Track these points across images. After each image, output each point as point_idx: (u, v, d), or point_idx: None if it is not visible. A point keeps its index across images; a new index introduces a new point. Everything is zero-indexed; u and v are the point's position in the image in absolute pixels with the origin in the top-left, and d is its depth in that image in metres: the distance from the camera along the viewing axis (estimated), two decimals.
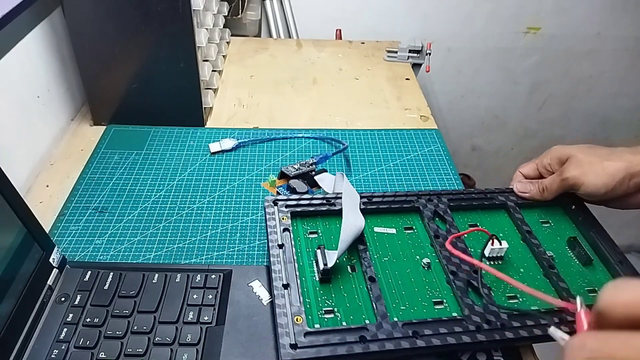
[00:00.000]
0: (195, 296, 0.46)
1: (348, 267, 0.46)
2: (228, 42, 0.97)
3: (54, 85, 0.71)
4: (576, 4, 1.15)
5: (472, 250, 0.49)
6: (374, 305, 0.42)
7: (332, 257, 0.44)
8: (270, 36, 1.10)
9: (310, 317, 0.42)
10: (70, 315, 0.44)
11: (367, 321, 0.41)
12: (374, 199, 0.52)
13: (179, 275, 0.48)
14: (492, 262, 0.48)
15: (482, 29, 1.18)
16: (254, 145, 0.72)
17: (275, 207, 0.51)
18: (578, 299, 0.32)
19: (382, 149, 0.72)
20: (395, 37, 1.05)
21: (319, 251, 0.45)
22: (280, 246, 0.46)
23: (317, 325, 0.41)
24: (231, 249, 0.55)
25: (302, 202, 0.52)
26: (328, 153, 0.67)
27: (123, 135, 0.72)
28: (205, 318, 0.44)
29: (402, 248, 0.49)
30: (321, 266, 0.44)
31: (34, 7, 0.64)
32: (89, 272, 0.47)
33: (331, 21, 1.11)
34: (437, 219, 0.51)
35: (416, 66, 0.96)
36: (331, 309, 0.43)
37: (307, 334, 0.39)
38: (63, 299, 0.45)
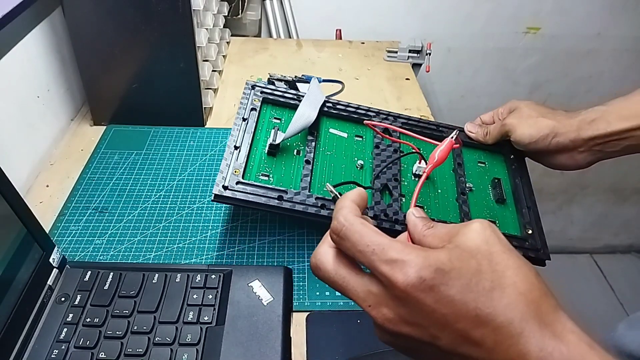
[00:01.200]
0: (195, 296, 0.46)
1: (295, 150, 0.55)
2: (228, 42, 0.97)
3: (54, 85, 0.71)
4: (576, 4, 1.15)
5: (404, 166, 0.56)
6: (302, 179, 0.52)
7: (280, 137, 0.54)
8: (270, 36, 1.10)
9: (248, 174, 0.51)
10: (70, 315, 0.44)
11: (290, 188, 0.50)
12: (338, 106, 0.60)
13: (179, 275, 0.48)
14: (416, 179, 0.56)
15: (482, 29, 1.18)
16: None
17: (252, 91, 0.59)
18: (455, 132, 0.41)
19: None
20: (395, 37, 1.05)
21: (273, 130, 0.55)
22: (244, 119, 0.56)
23: (250, 181, 0.50)
24: (231, 249, 0.55)
25: (275, 92, 0.60)
26: (319, 78, 0.72)
27: (123, 135, 0.72)
28: (205, 318, 0.44)
29: (346, 149, 0.58)
30: (270, 141, 0.54)
31: (34, 7, 0.64)
32: (89, 272, 0.47)
33: (331, 21, 1.11)
34: (385, 137, 0.58)
35: (416, 66, 0.96)
36: (267, 174, 0.52)
37: (238, 182, 0.49)
38: (63, 299, 0.45)
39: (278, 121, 0.58)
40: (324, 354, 0.45)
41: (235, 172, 0.50)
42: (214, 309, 0.45)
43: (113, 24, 0.64)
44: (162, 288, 0.46)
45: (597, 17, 1.17)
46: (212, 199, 0.49)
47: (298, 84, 0.67)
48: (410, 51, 0.95)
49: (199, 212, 0.60)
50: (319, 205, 0.49)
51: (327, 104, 0.59)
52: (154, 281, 0.47)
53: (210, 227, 0.58)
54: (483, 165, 0.60)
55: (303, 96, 0.59)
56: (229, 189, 0.49)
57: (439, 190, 0.56)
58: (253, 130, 0.55)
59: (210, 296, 0.46)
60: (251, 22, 1.05)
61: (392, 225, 0.50)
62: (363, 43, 1.02)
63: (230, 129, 0.75)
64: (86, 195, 0.61)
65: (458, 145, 0.40)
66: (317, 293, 0.51)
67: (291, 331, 0.46)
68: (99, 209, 0.60)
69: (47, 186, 0.64)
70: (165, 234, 0.57)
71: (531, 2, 1.14)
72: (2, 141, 0.60)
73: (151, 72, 0.69)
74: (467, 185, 0.56)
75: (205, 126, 0.75)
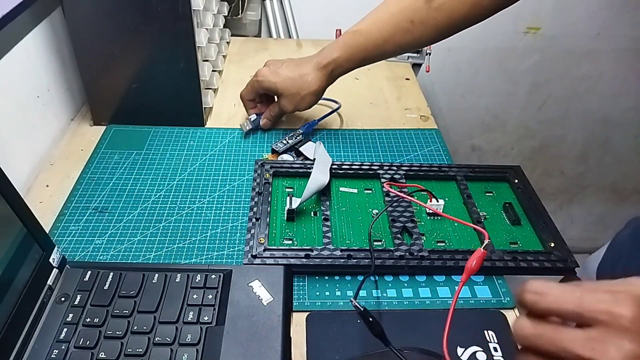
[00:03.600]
0: (195, 296, 0.46)
1: (311, 212, 0.59)
2: (228, 42, 0.97)
3: (54, 85, 0.71)
4: (576, 4, 1.15)
5: (416, 209, 0.59)
6: (324, 236, 0.54)
7: (296, 202, 0.57)
8: (270, 36, 1.10)
9: (272, 241, 0.55)
10: (70, 315, 0.44)
11: (315, 245, 0.53)
12: (343, 166, 0.64)
13: (179, 275, 0.48)
14: (430, 217, 0.59)
15: (482, 29, 1.17)
16: (254, 145, 0.72)
17: (262, 168, 0.63)
18: (486, 241, 0.41)
19: (382, 149, 0.72)
20: None
21: (287, 198, 0.58)
22: (259, 193, 0.59)
23: (275, 246, 0.54)
24: (231, 249, 0.55)
25: (284, 165, 0.64)
26: (315, 120, 0.74)
27: (123, 135, 0.72)
28: (205, 318, 0.44)
29: (359, 203, 0.61)
30: (287, 207, 0.57)
31: (34, 7, 0.64)
32: (89, 272, 0.47)
33: (331, 21, 1.11)
34: (392, 184, 0.61)
35: (416, 66, 0.96)
36: (290, 238, 0.56)
37: (265, 249, 0.52)
38: (63, 299, 0.45)
39: (291, 189, 0.62)
40: (324, 354, 0.45)
41: (260, 240, 0.53)
42: (214, 309, 0.45)
43: (113, 24, 0.64)
44: (162, 288, 0.46)
45: (597, 17, 1.17)
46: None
47: (301, 147, 0.69)
48: None
49: (199, 212, 0.60)
50: (345, 256, 0.52)
51: (333, 167, 0.63)
52: (154, 281, 0.47)
53: (210, 227, 0.58)
54: (491, 194, 0.63)
55: (310, 163, 0.63)
56: (258, 257, 0.52)
57: (455, 224, 0.58)
58: (269, 201, 0.59)
59: (210, 296, 0.46)
60: (251, 22, 1.06)
61: (420, 262, 0.52)
62: None
63: (230, 129, 0.76)
64: (86, 195, 0.61)
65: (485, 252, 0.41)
66: (317, 293, 0.51)
67: (291, 331, 0.46)
68: (99, 209, 0.60)
69: (47, 186, 0.64)
70: (165, 234, 0.57)
71: (531, 2, 1.14)
72: (2, 141, 0.60)
73: (151, 72, 0.69)
74: (480, 214, 0.59)
75: (205, 126, 0.75)
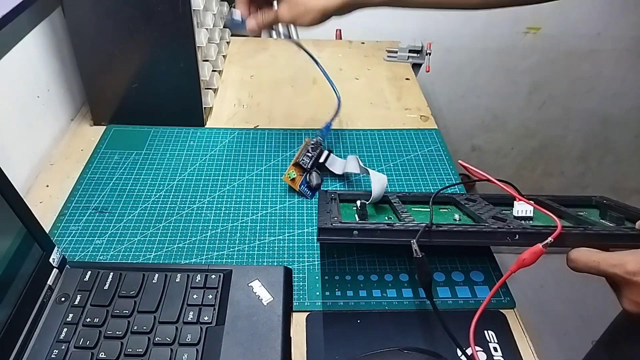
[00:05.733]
0: (195, 296, 0.46)
1: (385, 217, 0.55)
2: (228, 42, 0.97)
3: (54, 85, 0.71)
4: (576, 4, 1.15)
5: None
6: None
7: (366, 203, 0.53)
8: (270, 36, 1.10)
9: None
10: (70, 315, 0.44)
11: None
12: (406, 196, 0.59)
13: (179, 275, 0.48)
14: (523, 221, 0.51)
15: (482, 29, 1.18)
16: (254, 145, 0.72)
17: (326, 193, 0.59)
18: (549, 239, 0.42)
19: (382, 149, 0.72)
20: (395, 37, 1.05)
21: (358, 202, 0.52)
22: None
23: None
24: (231, 249, 0.55)
25: (345, 192, 0.60)
26: (328, 124, 0.68)
27: (123, 135, 0.72)
28: (205, 318, 0.44)
29: (435, 211, 0.56)
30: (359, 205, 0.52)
31: (34, 7, 0.64)
32: (89, 272, 0.47)
33: (331, 21, 1.11)
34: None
35: (416, 66, 0.96)
36: None
37: (340, 222, 0.48)
38: (63, 299, 0.45)
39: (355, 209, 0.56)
40: (324, 354, 0.45)
41: (335, 218, 0.49)
42: (214, 309, 0.45)
43: (113, 24, 0.64)
44: (162, 288, 0.46)
45: (597, 17, 1.17)
46: (318, 237, 0.47)
47: (327, 162, 0.65)
48: (410, 51, 0.95)
49: (199, 212, 0.60)
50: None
51: (393, 198, 0.57)
52: (154, 281, 0.47)
53: (210, 227, 0.58)
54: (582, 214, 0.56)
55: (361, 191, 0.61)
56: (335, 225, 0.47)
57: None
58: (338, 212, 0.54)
59: (210, 296, 0.46)
60: None
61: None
62: (363, 43, 1.02)
63: (230, 129, 0.75)
64: (86, 195, 0.61)
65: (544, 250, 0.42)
66: (317, 293, 0.51)
67: (291, 331, 0.46)
68: (99, 209, 0.60)
69: (47, 186, 0.64)
70: (165, 234, 0.57)
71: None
72: (2, 141, 0.60)
73: (151, 72, 0.69)
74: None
75: (205, 126, 0.75)
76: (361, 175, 0.66)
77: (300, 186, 0.62)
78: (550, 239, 0.42)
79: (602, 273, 0.43)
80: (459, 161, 0.58)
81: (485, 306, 0.41)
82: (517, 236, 0.45)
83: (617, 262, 0.41)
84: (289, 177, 0.62)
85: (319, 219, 0.50)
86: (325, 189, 0.63)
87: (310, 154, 0.63)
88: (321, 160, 0.64)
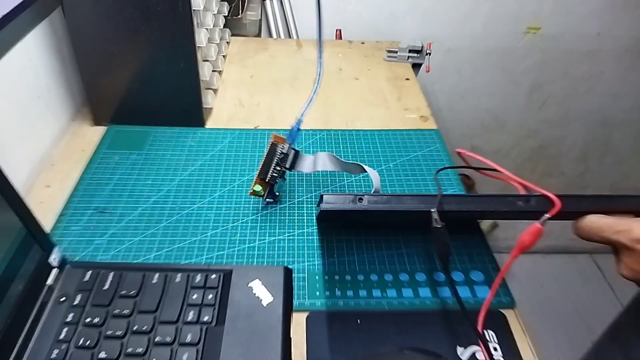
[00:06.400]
0: (195, 296, 0.46)
1: None
2: (228, 42, 0.97)
3: (54, 85, 0.71)
4: (576, 4, 1.15)
5: None
6: None
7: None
8: (270, 36, 1.10)
9: None
10: (70, 315, 0.44)
11: None
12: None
13: (179, 275, 0.48)
14: None
15: (482, 29, 1.18)
16: (254, 145, 0.72)
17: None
18: (546, 216, 0.41)
19: (382, 149, 0.72)
20: (395, 37, 1.05)
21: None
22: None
23: None
24: (231, 249, 0.55)
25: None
26: (297, 124, 0.58)
27: (123, 136, 0.72)
28: (205, 318, 0.44)
29: None
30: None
31: (34, 7, 0.64)
32: (89, 272, 0.47)
33: (331, 21, 1.11)
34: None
35: (416, 66, 0.96)
36: None
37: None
38: (63, 299, 0.45)
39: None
40: (324, 354, 0.45)
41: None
42: (214, 309, 0.45)
43: (113, 24, 0.64)
44: (162, 288, 0.46)
45: (597, 17, 1.17)
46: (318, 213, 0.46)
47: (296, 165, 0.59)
48: (410, 51, 0.95)
49: (199, 212, 0.60)
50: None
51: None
52: (154, 281, 0.47)
53: (210, 227, 0.58)
54: None
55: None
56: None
57: None
58: None
59: (210, 296, 0.46)
60: (251, 22, 1.06)
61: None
62: (363, 43, 1.02)
63: (230, 129, 0.75)
64: (87, 195, 0.61)
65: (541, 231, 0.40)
66: (317, 293, 0.51)
67: (291, 331, 0.46)
68: (99, 209, 0.60)
69: (48, 186, 0.64)
70: (165, 234, 0.57)
71: (531, 2, 1.14)
72: (2, 141, 0.60)
73: (151, 72, 0.69)
74: None
75: (205, 126, 0.75)
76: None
77: (267, 198, 0.60)
78: (547, 215, 0.40)
79: (605, 240, 0.41)
80: (457, 149, 0.56)
81: (490, 301, 0.41)
82: (531, 200, 0.43)
83: (623, 228, 0.40)
84: (255, 190, 0.58)
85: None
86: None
87: (279, 168, 0.58)
88: (287, 165, 0.58)
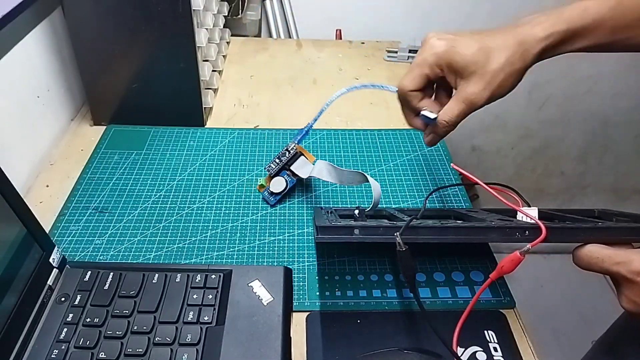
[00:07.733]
0: (195, 296, 0.46)
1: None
2: (228, 42, 0.97)
3: (54, 85, 0.71)
4: None
5: None
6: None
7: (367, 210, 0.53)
8: (270, 36, 1.10)
9: None
10: (70, 315, 0.44)
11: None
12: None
13: (179, 275, 0.48)
14: None
15: (482, 29, 1.18)
16: (254, 145, 0.72)
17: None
18: (528, 246, 0.40)
19: (382, 149, 0.72)
20: (395, 37, 1.05)
21: (356, 210, 0.53)
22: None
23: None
24: (231, 249, 0.55)
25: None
26: (308, 126, 0.61)
27: (123, 135, 0.72)
28: (205, 318, 0.44)
29: None
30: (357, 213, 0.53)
31: (34, 7, 0.64)
32: (89, 272, 0.47)
33: (331, 21, 1.11)
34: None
35: None
36: None
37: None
38: (63, 299, 0.45)
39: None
40: (324, 354, 0.45)
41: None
42: (214, 309, 0.45)
43: (113, 24, 0.64)
44: (162, 288, 0.46)
45: None
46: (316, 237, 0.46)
47: (292, 166, 0.61)
48: (410, 51, 0.95)
49: (199, 212, 0.60)
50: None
51: (391, 210, 0.57)
52: (154, 281, 0.47)
53: (210, 227, 0.58)
54: None
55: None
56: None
57: None
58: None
59: (210, 296, 0.46)
60: (251, 22, 1.06)
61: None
62: (363, 43, 1.02)
63: (230, 129, 0.75)
64: (86, 195, 0.61)
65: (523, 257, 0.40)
66: (317, 293, 0.51)
67: (291, 331, 0.46)
68: (99, 209, 0.60)
69: (47, 186, 0.64)
70: (165, 234, 0.57)
71: (531, 2, 1.14)
72: (2, 141, 0.60)
73: (151, 72, 0.69)
74: None
75: (205, 126, 0.75)
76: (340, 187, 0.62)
77: (264, 192, 0.62)
78: (528, 245, 0.40)
79: (605, 271, 0.41)
80: (452, 164, 0.57)
81: (469, 311, 0.41)
82: (519, 234, 0.43)
83: (622, 259, 0.40)
84: (259, 184, 0.63)
85: (316, 221, 0.49)
86: (320, 206, 0.61)
87: (278, 161, 0.61)
88: (285, 161, 0.60)
